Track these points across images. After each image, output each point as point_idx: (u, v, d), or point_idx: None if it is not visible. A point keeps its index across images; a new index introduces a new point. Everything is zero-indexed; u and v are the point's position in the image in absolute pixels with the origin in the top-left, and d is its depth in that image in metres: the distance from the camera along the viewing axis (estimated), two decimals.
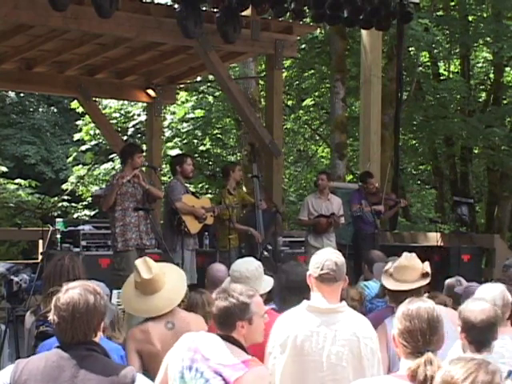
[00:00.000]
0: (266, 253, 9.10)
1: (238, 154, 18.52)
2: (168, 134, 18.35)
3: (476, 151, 19.46)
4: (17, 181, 19.42)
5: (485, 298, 4.01)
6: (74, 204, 20.35)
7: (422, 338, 2.96)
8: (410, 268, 4.77)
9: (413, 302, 3.08)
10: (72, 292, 3.08)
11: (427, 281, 4.81)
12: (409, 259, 4.83)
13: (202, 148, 19.30)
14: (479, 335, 3.65)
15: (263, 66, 15.70)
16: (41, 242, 10.61)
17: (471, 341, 3.66)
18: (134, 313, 4.56)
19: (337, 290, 3.90)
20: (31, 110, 24.01)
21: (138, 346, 4.30)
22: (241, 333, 3.52)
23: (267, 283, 4.70)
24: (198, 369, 3.42)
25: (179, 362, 3.47)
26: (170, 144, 18.39)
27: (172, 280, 4.51)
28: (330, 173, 11.80)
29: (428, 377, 2.82)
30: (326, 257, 3.90)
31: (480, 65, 20.44)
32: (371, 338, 3.81)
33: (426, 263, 4.90)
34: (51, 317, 3.09)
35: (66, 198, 19.58)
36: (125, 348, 4.29)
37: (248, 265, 4.74)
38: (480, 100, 19.76)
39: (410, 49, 16.86)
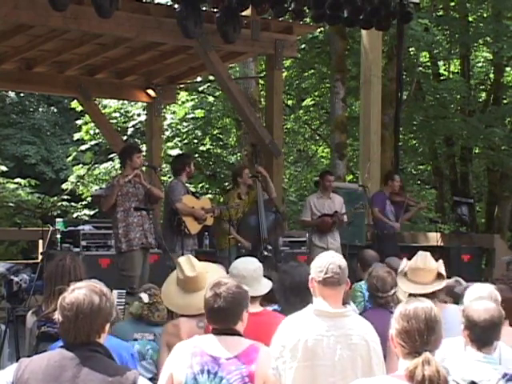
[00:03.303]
0: (265, 252, 9.09)
1: (238, 154, 18.51)
2: (168, 133, 18.35)
3: (476, 151, 19.44)
4: (16, 180, 19.41)
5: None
6: (73, 204, 20.35)
7: (420, 338, 2.96)
8: (426, 270, 4.80)
9: (410, 302, 3.08)
10: (78, 292, 3.07)
11: (443, 284, 4.84)
12: (424, 261, 4.83)
13: (202, 148, 19.28)
14: (482, 334, 3.65)
15: (263, 66, 15.69)
16: (41, 241, 10.62)
17: (474, 339, 3.67)
18: (173, 308, 4.65)
19: (340, 294, 3.89)
20: (31, 110, 24.02)
21: (169, 339, 4.40)
22: (244, 322, 3.54)
23: (264, 286, 4.57)
24: (210, 371, 3.42)
25: (188, 369, 3.44)
26: (170, 144, 18.38)
27: None
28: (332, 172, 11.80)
29: (426, 377, 2.83)
30: (330, 260, 3.87)
31: (480, 65, 20.43)
32: (377, 342, 3.84)
33: (441, 263, 4.91)
34: (56, 316, 3.09)
35: (65, 197, 19.59)
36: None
37: (247, 264, 4.68)
38: (480, 100, 19.75)
39: (410, 49, 16.85)
